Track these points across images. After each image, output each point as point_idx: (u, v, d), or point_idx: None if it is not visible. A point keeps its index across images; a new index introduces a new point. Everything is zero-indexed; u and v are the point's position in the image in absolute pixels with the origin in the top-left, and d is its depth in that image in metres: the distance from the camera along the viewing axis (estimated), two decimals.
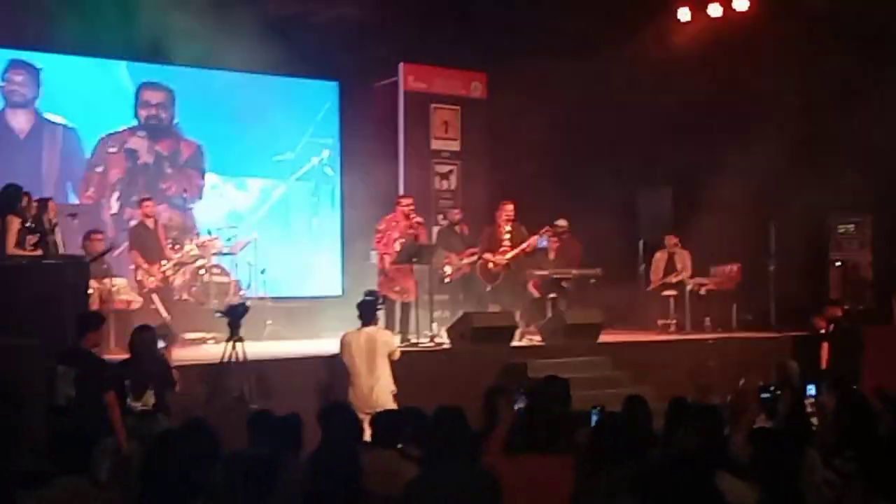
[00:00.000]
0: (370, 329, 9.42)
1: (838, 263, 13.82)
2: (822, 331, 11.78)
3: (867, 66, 12.80)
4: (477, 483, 4.65)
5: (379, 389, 9.14)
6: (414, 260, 11.45)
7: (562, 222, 13.15)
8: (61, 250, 9.87)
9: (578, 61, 13.20)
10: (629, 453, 4.76)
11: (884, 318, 12.97)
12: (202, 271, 12.15)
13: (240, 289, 12.45)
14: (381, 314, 9.95)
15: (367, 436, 6.23)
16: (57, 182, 12.98)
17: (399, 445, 5.84)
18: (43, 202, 10.11)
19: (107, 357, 8.44)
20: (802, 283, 13.49)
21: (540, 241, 12.61)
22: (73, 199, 13.03)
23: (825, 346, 11.58)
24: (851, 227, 13.98)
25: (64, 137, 13.11)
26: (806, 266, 13.80)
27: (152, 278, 11.53)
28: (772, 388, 7.43)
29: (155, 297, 11.41)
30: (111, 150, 13.37)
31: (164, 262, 11.75)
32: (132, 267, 11.70)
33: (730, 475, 4.80)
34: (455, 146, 15.09)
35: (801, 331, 12.31)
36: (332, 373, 9.65)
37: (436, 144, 14.96)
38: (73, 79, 13.10)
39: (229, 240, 12.77)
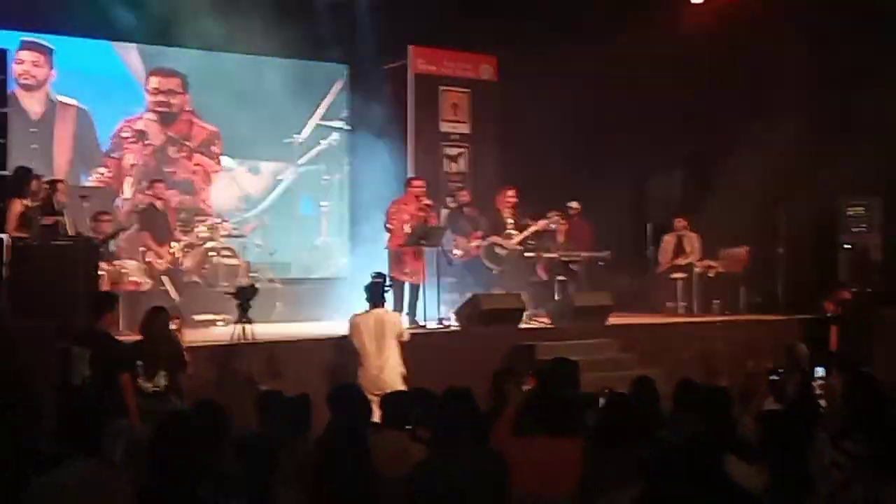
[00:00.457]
0: (379, 311, 9.44)
1: (847, 246, 13.76)
2: (831, 313, 11.77)
3: (879, 49, 12.74)
4: (485, 464, 4.66)
5: (388, 371, 9.18)
6: (422, 242, 11.45)
7: (574, 204, 13.21)
8: (70, 232, 9.92)
9: (589, 44, 13.17)
10: (637, 435, 4.76)
11: (893, 300, 12.93)
12: (212, 253, 12.19)
13: (249, 271, 12.48)
14: (388, 296, 9.95)
15: (377, 417, 6.25)
16: (69, 164, 12.99)
17: (408, 427, 5.87)
18: (53, 184, 10.16)
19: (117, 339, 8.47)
20: (811, 266, 13.49)
21: (549, 225, 12.62)
22: (85, 181, 13.05)
23: (834, 328, 11.58)
24: (861, 209, 13.92)
25: (77, 119, 13.11)
26: (815, 249, 13.77)
27: (161, 260, 11.57)
28: (780, 371, 7.45)
29: (165, 278, 11.44)
30: (125, 134, 13.38)
31: (173, 244, 11.80)
32: (142, 249, 11.72)
33: (737, 457, 4.82)
34: (465, 129, 15.05)
35: (810, 313, 12.28)
36: (342, 354, 9.68)
37: (445, 127, 14.93)
38: (85, 61, 13.08)
39: (239, 222, 12.79)
